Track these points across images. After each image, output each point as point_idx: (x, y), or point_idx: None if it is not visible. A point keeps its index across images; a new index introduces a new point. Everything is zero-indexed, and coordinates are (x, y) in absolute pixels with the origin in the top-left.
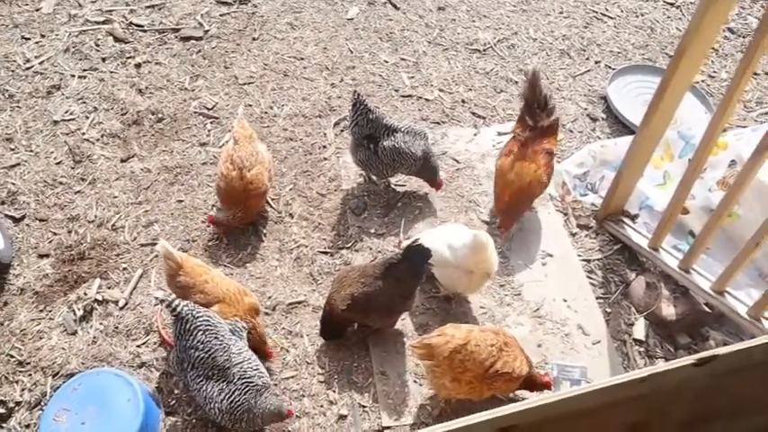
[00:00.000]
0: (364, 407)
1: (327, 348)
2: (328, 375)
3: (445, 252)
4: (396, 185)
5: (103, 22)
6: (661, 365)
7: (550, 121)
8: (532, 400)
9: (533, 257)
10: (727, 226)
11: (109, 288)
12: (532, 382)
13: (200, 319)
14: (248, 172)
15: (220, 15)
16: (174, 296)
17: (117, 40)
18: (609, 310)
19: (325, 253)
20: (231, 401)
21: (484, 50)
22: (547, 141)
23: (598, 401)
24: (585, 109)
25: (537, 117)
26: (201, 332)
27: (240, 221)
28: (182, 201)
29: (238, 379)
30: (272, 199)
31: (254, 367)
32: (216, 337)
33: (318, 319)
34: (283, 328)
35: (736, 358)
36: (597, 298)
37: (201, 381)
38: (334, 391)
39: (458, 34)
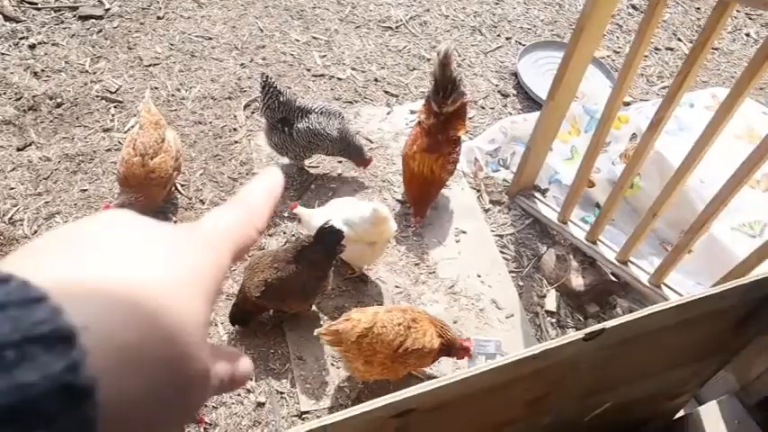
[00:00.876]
0: (282, 393)
1: (243, 336)
2: None
3: (344, 229)
4: (309, 167)
5: None
6: (552, 341)
7: (456, 107)
8: (429, 383)
9: (447, 235)
10: (630, 197)
11: None
12: (452, 349)
13: None
14: (151, 159)
15: None
16: None
17: (7, 18)
18: (521, 283)
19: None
20: None
21: (396, 28)
22: (453, 128)
23: (494, 381)
24: (497, 85)
25: (441, 104)
26: None
27: (141, 207)
28: (85, 190)
29: None
30: (182, 185)
31: None
32: None
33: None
34: None
35: (623, 330)
36: (510, 272)
37: None
38: (251, 379)
39: (370, 11)
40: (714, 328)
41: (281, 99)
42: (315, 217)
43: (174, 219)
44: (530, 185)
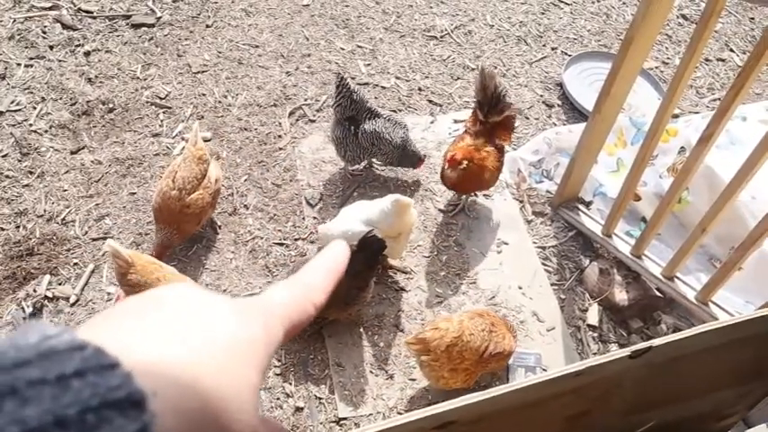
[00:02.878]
0: (320, 399)
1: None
2: (284, 368)
3: (366, 229)
4: (353, 174)
5: (50, 8)
6: (597, 358)
7: (502, 118)
8: (471, 395)
9: (489, 245)
10: (678, 212)
11: (59, 284)
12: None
13: None
14: (188, 195)
15: (173, 1)
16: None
17: (65, 27)
18: (563, 296)
19: (281, 244)
20: None
21: (441, 37)
22: (497, 137)
23: (536, 395)
24: (541, 96)
25: (487, 114)
26: None
27: (179, 239)
28: (134, 193)
29: None
30: (227, 189)
31: None
32: None
33: None
34: None
35: (671, 348)
36: (552, 284)
37: None
38: (290, 384)
39: (415, 21)
40: (763, 349)
41: (354, 98)
42: (332, 228)
43: (219, 224)
44: (573, 197)
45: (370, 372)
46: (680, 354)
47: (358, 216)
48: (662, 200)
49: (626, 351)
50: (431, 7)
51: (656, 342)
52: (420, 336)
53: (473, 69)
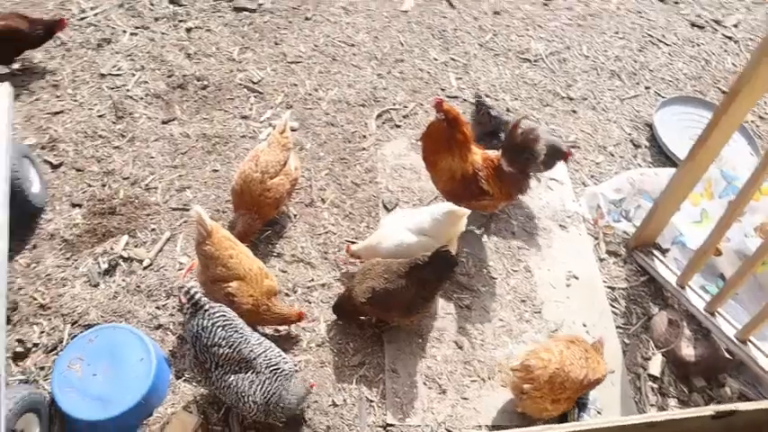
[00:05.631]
0: (371, 401)
1: (342, 337)
2: (340, 364)
3: (420, 238)
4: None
5: None
6: (676, 412)
7: (509, 173)
8: (544, 427)
9: (559, 277)
10: (760, 274)
11: (135, 246)
12: None
13: (217, 314)
14: (270, 179)
15: None
16: (194, 287)
17: (171, 1)
18: (627, 341)
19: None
20: (264, 392)
21: (534, 61)
22: (489, 180)
23: None
24: (630, 134)
25: (504, 156)
26: (221, 328)
27: (260, 223)
28: (217, 170)
29: (265, 368)
30: (306, 180)
31: (278, 354)
32: (236, 331)
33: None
34: None
35: (754, 416)
36: (617, 327)
37: (229, 377)
38: (343, 382)
39: (510, 41)
40: None
41: (493, 114)
42: (383, 242)
43: (294, 213)
44: (650, 242)
45: (424, 383)
46: (761, 422)
47: (407, 225)
48: (745, 259)
49: (708, 410)
50: (527, 30)
51: (741, 407)
52: (525, 363)
53: (563, 98)
